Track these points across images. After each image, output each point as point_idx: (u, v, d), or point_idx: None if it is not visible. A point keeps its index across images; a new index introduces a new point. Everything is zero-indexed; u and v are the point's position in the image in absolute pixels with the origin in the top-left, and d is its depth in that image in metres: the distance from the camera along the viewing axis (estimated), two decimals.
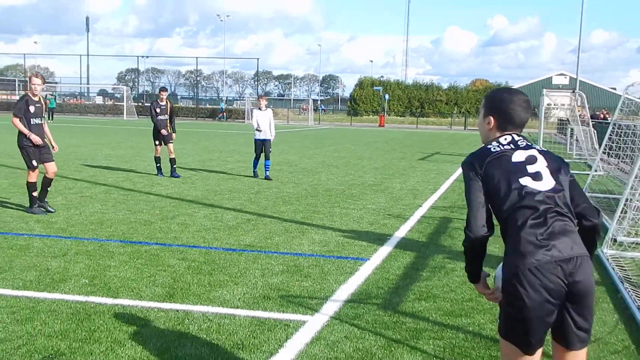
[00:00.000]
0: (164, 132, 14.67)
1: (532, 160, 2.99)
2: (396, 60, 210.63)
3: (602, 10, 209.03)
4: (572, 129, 28.12)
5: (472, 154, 3.13)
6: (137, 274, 6.48)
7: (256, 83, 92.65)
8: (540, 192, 2.89)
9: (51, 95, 62.08)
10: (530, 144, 3.10)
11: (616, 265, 7.40)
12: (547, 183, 2.93)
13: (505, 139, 3.09)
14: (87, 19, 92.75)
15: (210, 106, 74.80)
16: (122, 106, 66.09)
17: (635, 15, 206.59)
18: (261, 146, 14.87)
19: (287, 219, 9.77)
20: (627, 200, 8.53)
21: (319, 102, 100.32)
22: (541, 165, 2.98)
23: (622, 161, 15.52)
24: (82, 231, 8.45)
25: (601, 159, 15.32)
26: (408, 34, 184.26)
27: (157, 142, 14.82)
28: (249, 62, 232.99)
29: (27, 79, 10.46)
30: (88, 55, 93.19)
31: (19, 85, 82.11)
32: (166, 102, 15.01)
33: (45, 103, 10.03)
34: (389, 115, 66.29)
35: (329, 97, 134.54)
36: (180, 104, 76.42)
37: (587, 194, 11.87)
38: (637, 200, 8.72)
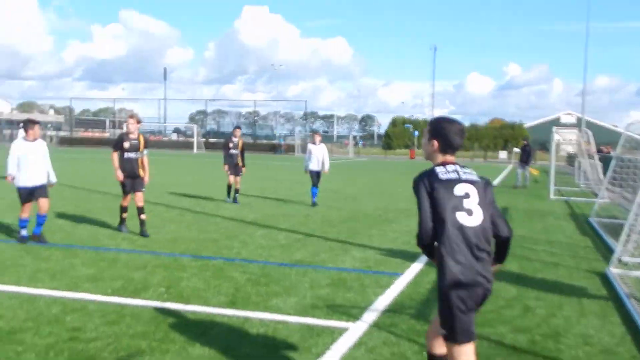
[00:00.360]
0: (225, 168, 14.64)
1: (467, 195, 3.18)
2: (424, 102, 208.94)
3: (604, 57, 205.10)
4: (579, 162, 27.65)
5: (424, 173, 3.28)
6: (205, 284, 6.53)
7: (305, 122, 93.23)
8: (470, 227, 3.12)
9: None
10: (467, 172, 3.29)
11: (622, 283, 7.16)
12: (476, 219, 3.15)
13: (450, 167, 3.28)
14: (165, 69, 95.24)
15: (266, 141, 75.48)
16: (192, 142, 67.25)
17: (635, 62, 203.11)
18: (315, 176, 14.39)
19: (331, 239, 9.73)
20: (631, 225, 8.28)
21: (358, 137, 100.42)
22: (474, 202, 3.18)
23: (625, 190, 15.29)
24: (160, 247, 8.56)
25: (606, 189, 14.98)
26: (434, 80, 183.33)
27: (229, 173, 14.68)
28: (298, 104, 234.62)
29: (126, 119, 10.07)
30: (165, 99, 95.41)
31: (109, 124, 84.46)
32: (239, 139, 14.83)
33: (144, 140, 9.70)
34: (418, 149, 65.80)
35: (366, 133, 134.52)
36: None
37: (594, 219, 11.61)
38: None
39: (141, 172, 9.51)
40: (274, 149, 65.59)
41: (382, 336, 5.01)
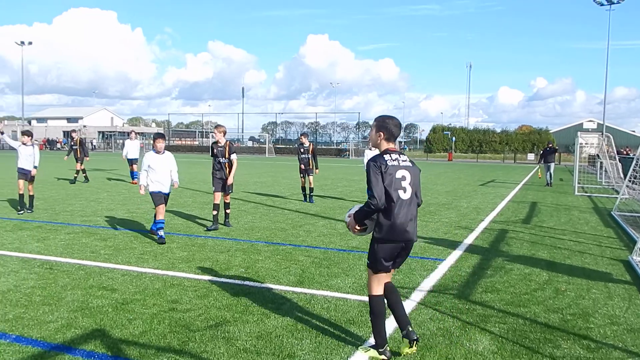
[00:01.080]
0: (302, 167, 13.83)
1: (404, 178, 3.77)
2: (460, 112, 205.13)
3: (623, 71, 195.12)
4: (601, 162, 26.46)
5: (376, 156, 3.78)
6: (277, 266, 6.53)
7: (358, 130, 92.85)
8: (404, 199, 3.74)
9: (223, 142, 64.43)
10: (404, 160, 3.84)
11: None
12: (408, 194, 3.77)
13: (394, 156, 3.80)
14: (243, 89, 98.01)
15: (325, 147, 75.54)
16: (265, 148, 68.15)
17: None
18: None
19: None
20: None
21: (403, 142, 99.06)
22: (407, 183, 3.78)
23: None
24: (239, 235, 8.65)
25: (627, 186, 14.19)
26: (469, 93, 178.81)
27: (301, 175, 14.02)
28: (352, 115, 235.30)
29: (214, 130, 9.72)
30: (243, 113, 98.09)
31: (198, 134, 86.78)
32: (309, 144, 13.95)
33: (229, 146, 9.24)
34: (455, 152, 64.32)
35: (409, 139, 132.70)
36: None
37: (616, 213, 10.98)
38: None
39: (227, 175, 9.21)
40: (339, 153, 65.52)
41: (429, 313, 4.87)
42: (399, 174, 3.75)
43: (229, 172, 9.19)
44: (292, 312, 4.77)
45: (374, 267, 3.86)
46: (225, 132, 9.38)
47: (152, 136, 10.33)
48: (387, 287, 3.94)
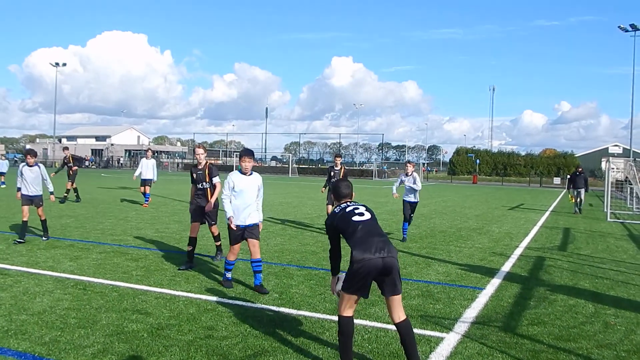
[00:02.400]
0: (323, 190, 12.91)
1: (358, 210, 4.17)
2: (484, 134, 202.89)
3: None
4: (631, 188, 25.79)
5: (336, 208, 4.31)
6: (312, 291, 6.33)
7: (380, 151, 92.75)
8: (363, 220, 4.09)
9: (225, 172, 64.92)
10: (358, 204, 4.29)
11: None
12: (366, 217, 4.12)
13: (349, 203, 4.29)
14: (266, 109, 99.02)
15: (348, 167, 75.47)
16: (288, 168, 68.37)
17: None
18: (408, 208, 11.23)
19: (415, 254, 9.31)
20: None
21: (426, 164, 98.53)
22: (363, 209, 4.18)
23: None
24: (270, 257, 8.47)
25: None
26: (492, 116, 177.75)
27: (328, 202, 12.85)
28: (375, 136, 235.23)
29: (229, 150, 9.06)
30: (266, 133, 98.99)
31: (222, 153, 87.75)
32: (340, 166, 12.47)
33: (209, 170, 7.75)
34: (479, 175, 63.57)
35: (432, 161, 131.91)
36: (326, 166, 77.86)
37: None
38: None
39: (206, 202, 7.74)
40: (362, 174, 65.37)
41: (476, 347, 4.59)
42: (357, 211, 4.20)
43: (211, 197, 7.72)
44: (332, 343, 4.55)
45: (345, 289, 4.01)
46: (205, 153, 7.86)
47: (238, 154, 7.88)
48: (405, 324, 3.95)
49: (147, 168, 17.03)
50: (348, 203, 4.29)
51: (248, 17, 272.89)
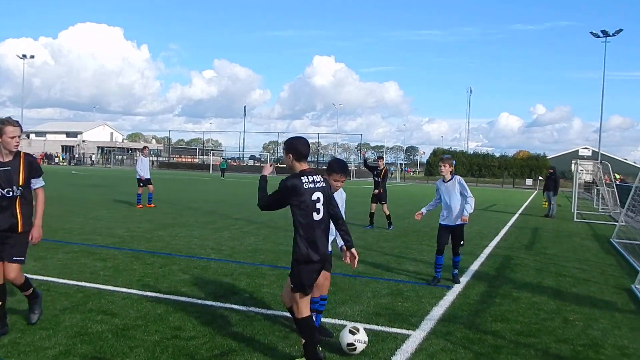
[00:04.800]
0: (375, 192, 13.05)
1: (318, 200, 3.86)
2: (461, 136, 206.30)
3: (618, 100, 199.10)
4: (597, 189, 26.64)
5: (291, 178, 3.85)
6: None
7: (359, 152, 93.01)
8: (317, 220, 3.86)
9: (223, 159, 64.59)
10: (319, 181, 3.93)
11: None
12: (321, 214, 3.89)
13: (310, 178, 3.87)
14: (245, 107, 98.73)
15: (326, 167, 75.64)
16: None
17: None
18: (445, 235, 7.33)
19: (388, 253, 9.41)
20: None
21: (403, 165, 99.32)
22: (321, 204, 3.88)
23: None
24: (243, 257, 8.43)
25: (625, 214, 14.20)
26: (469, 117, 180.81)
27: (372, 200, 13.15)
28: (354, 137, 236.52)
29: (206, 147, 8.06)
30: (244, 132, 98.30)
31: (198, 151, 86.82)
32: (383, 167, 13.14)
33: (30, 165, 4.49)
34: (455, 175, 64.61)
35: (410, 161, 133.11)
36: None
37: (615, 241, 10.99)
38: None
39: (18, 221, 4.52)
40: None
41: (440, 344, 4.69)
42: (315, 196, 3.85)
43: (26, 213, 4.58)
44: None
45: (301, 289, 3.89)
46: (19, 135, 4.39)
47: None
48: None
49: (145, 166, 16.10)
50: (313, 180, 3.90)
51: (229, 13, 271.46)
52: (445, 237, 7.14)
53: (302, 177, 3.86)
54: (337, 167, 4.72)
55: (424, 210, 7.31)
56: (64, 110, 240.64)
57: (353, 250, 4.07)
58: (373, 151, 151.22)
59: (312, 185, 3.86)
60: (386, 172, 13.26)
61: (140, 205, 15.67)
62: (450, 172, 7.08)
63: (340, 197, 4.97)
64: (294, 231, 3.92)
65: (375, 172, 13.22)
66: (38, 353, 4.12)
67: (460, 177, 7.17)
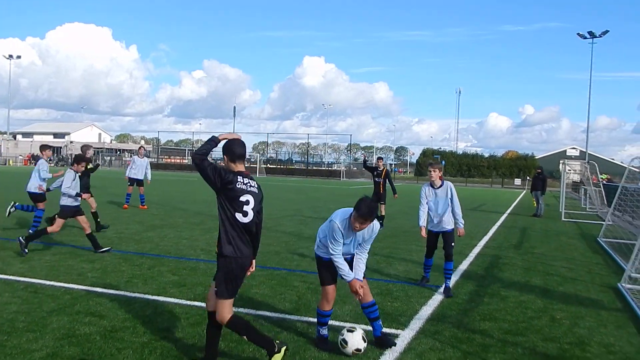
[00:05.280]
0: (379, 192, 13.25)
1: (247, 203, 3.83)
2: (451, 136, 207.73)
3: (606, 101, 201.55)
4: (585, 189, 26.94)
5: (228, 171, 3.86)
6: (272, 291, 6.35)
7: (349, 152, 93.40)
8: (243, 223, 3.83)
9: (213, 160, 64.32)
10: (253, 184, 3.92)
11: (634, 297, 6.73)
12: (248, 218, 3.84)
13: (245, 179, 3.87)
14: (234, 108, 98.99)
15: (316, 167, 75.58)
16: (255, 167, 67.95)
17: (630, 105, 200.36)
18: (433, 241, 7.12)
19: (377, 253, 9.39)
20: None
21: (393, 165, 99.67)
22: (250, 208, 3.84)
23: (627, 214, 14.88)
24: None
25: (612, 213, 14.41)
26: (458, 118, 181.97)
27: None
28: (344, 137, 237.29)
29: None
30: (234, 132, 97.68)
31: (187, 152, 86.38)
32: (382, 167, 13.48)
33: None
34: (445, 175, 64.85)
35: (400, 162, 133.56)
36: (295, 166, 77.81)
37: (602, 240, 11.15)
38: None
39: None
40: (330, 174, 65.62)
41: (429, 343, 4.73)
42: (244, 197, 3.83)
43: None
44: (289, 342, 4.57)
45: (229, 291, 3.83)
46: None
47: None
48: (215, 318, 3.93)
49: (139, 167, 15.62)
50: (248, 182, 3.88)
51: (219, 14, 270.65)
52: (434, 242, 6.97)
53: (238, 177, 3.85)
54: (365, 211, 4.26)
55: (423, 223, 6.83)
56: (51, 111, 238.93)
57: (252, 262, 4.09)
58: (363, 151, 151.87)
59: (244, 186, 3.84)
60: (387, 172, 13.41)
61: (126, 206, 15.40)
62: (440, 177, 6.80)
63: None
64: (219, 227, 3.90)
65: (375, 173, 13.43)
66: (25, 355, 4.09)
67: (451, 184, 6.86)
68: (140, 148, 16.91)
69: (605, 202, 23.30)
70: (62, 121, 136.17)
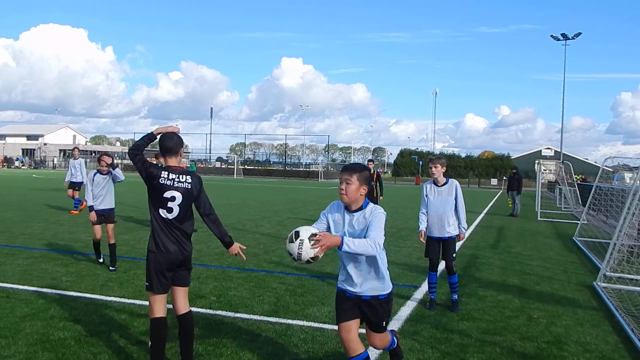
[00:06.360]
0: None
1: (173, 199, 3.73)
2: (428, 137, 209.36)
3: (580, 102, 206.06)
4: (560, 189, 27.45)
5: (160, 168, 3.79)
6: (250, 294, 6.32)
7: (327, 153, 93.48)
8: (168, 219, 3.74)
9: (192, 161, 63.66)
10: (184, 180, 3.79)
11: (609, 295, 6.85)
12: (174, 214, 3.75)
13: (172, 175, 3.76)
14: (211, 109, 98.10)
15: (294, 168, 75.47)
16: (233, 169, 67.57)
17: (603, 106, 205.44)
18: (435, 248, 6.38)
19: None
20: (614, 244, 7.99)
21: (378, 164, 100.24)
22: (175, 204, 3.74)
23: (601, 214, 15.23)
24: (210, 260, 8.38)
25: (587, 213, 14.73)
26: (435, 119, 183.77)
27: None
28: (322, 138, 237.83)
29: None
30: (211, 133, 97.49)
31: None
32: (373, 170, 12.26)
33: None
34: (421, 176, 65.51)
35: (377, 163, 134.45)
36: (273, 167, 77.60)
37: (577, 239, 11.31)
38: (620, 245, 8.19)
39: None
40: (308, 175, 65.59)
41: (408, 343, 4.74)
42: (169, 194, 3.72)
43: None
44: (267, 344, 4.57)
45: (151, 285, 3.79)
46: None
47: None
48: (186, 317, 3.96)
49: (76, 169, 14.93)
50: (174, 178, 3.77)
51: (196, 14, 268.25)
52: (435, 251, 6.09)
53: (163, 172, 3.75)
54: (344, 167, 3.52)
55: (423, 227, 6.09)
56: (25, 113, 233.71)
57: (233, 246, 4.19)
58: (340, 152, 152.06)
59: (169, 182, 3.73)
60: (378, 175, 12.84)
61: (76, 211, 14.56)
62: (441, 171, 6.03)
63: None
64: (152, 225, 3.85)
65: None
66: None
67: (457, 182, 6.13)
68: (74, 149, 15.95)
69: (580, 202, 23.79)
70: (36, 123, 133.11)
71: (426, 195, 6.09)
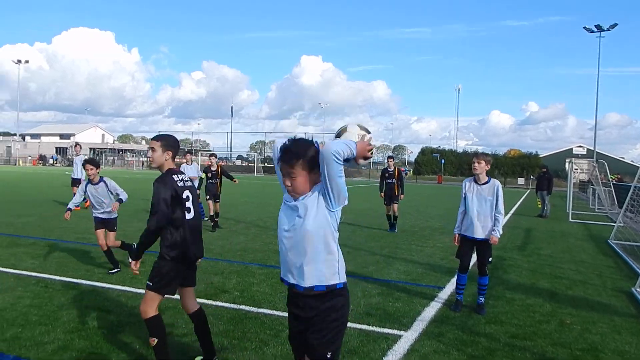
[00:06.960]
0: (382, 195, 12.87)
1: (188, 198, 3.84)
2: (451, 134, 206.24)
3: (615, 97, 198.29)
4: (593, 189, 26.54)
5: (164, 177, 3.78)
6: (273, 290, 6.38)
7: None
8: (187, 220, 3.82)
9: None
10: (187, 180, 3.90)
11: None
12: (192, 214, 3.87)
13: (181, 177, 3.87)
14: (232, 108, 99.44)
15: None
16: (253, 166, 67.96)
17: None
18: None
19: (377, 253, 9.45)
20: None
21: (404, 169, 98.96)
22: (191, 202, 3.87)
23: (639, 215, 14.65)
24: (233, 256, 8.48)
25: (624, 214, 14.16)
26: (457, 116, 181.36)
27: (385, 202, 12.83)
28: None
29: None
30: (231, 132, 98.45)
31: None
32: (394, 167, 12.89)
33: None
34: (444, 175, 64.57)
35: (398, 161, 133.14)
36: None
37: (613, 242, 10.87)
38: None
39: None
40: None
41: (433, 345, 4.71)
42: (185, 194, 3.85)
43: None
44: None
45: (159, 287, 3.80)
46: None
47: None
48: (200, 313, 4.01)
49: (77, 166, 14.74)
50: (183, 178, 3.90)
51: (218, 15, 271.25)
52: (469, 252, 5.90)
53: (173, 175, 3.84)
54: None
55: (457, 231, 5.99)
56: (57, 113, 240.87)
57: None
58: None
59: (181, 183, 3.86)
60: (400, 173, 12.76)
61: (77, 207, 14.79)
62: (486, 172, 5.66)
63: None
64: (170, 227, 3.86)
65: (387, 174, 12.79)
66: (38, 347, 4.22)
67: (499, 182, 5.85)
68: (76, 146, 15.85)
69: (616, 203, 22.86)
70: (68, 123, 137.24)
71: (465, 193, 5.81)
